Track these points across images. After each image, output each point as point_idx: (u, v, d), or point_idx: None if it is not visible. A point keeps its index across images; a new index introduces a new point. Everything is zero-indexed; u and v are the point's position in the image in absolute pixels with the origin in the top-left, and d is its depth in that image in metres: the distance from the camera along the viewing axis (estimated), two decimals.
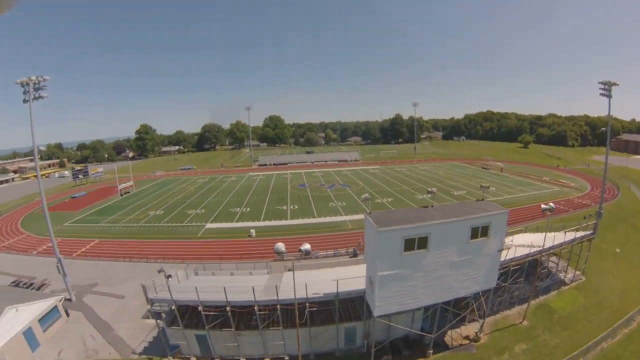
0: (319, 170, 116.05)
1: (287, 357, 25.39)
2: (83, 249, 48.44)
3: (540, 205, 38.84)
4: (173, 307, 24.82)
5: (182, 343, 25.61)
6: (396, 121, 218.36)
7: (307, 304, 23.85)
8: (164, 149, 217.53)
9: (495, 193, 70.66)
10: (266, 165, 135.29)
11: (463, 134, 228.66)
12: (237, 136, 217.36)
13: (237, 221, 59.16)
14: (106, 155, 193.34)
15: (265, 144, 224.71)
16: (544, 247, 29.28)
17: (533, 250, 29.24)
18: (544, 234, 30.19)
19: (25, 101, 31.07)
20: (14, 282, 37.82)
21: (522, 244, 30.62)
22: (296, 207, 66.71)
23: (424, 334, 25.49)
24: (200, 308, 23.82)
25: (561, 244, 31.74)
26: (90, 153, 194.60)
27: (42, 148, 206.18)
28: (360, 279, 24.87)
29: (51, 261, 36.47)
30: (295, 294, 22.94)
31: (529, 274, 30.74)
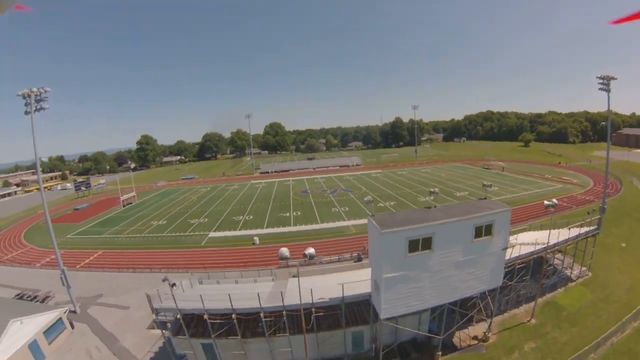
0: (320, 176, 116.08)
1: None
2: (87, 261, 48.45)
3: (543, 203, 38.68)
4: (178, 316, 24.71)
5: (188, 352, 25.42)
6: (396, 124, 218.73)
7: (313, 309, 23.70)
8: (166, 159, 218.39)
9: (498, 193, 70.47)
10: (268, 172, 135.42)
11: (463, 135, 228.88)
12: (238, 145, 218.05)
13: (240, 229, 59.09)
14: (108, 167, 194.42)
15: (266, 151, 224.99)
16: (549, 244, 29.09)
17: (538, 247, 29.07)
18: (548, 231, 30.06)
19: (27, 113, 31.36)
20: (17, 294, 37.77)
21: (526, 242, 30.47)
22: (299, 213, 66.60)
23: (432, 335, 25.29)
24: (205, 316, 23.69)
25: (566, 241, 31.54)
26: (92, 165, 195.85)
27: (43, 159, 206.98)
28: (365, 282, 24.72)
29: (55, 273, 36.53)
30: (300, 299, 22.83)
31: (534, 272, 30.50)
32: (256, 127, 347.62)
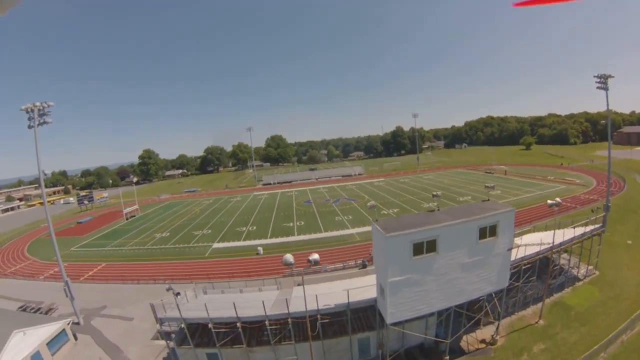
0: (323, 186, 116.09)
1: None
2: (90, 273, 48.36)
3: (546, 203, 38.54)
4: (183, 326, 24.57)
5: None
6: (397, 133, 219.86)
7: (318, 316, 23.51)
8: (168, 172, 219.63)
9: (501, 196, 70.21)
10: (270, 184, 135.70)
11: (465, 141, 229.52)
12: (240, 157, 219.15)
13: (244, 240, 58.91)
14: (110, 181, 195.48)
15: (268, 163, 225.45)
16: (554, 243, 28.87)
17: (543, 247, 28.91)
18: (553, 231, 29.85)
19: (30, 127, 31.81)
20: (21, 307, 37.65)
21: (531, 242, 30.26)
22: (302, 223, 66.43)
23: (439, 340, 24.94)
24: (210, 325, 23.53)
25: (571, 240, 31.37)
26: (94, 179, 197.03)
27: (46, 173, 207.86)
28: (371, 288, 24.58)
29: (58, 286, 36.45)
30: (306, 306, 22.65)
31: (541, 273, 30.21)
32: (258, 140, 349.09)
